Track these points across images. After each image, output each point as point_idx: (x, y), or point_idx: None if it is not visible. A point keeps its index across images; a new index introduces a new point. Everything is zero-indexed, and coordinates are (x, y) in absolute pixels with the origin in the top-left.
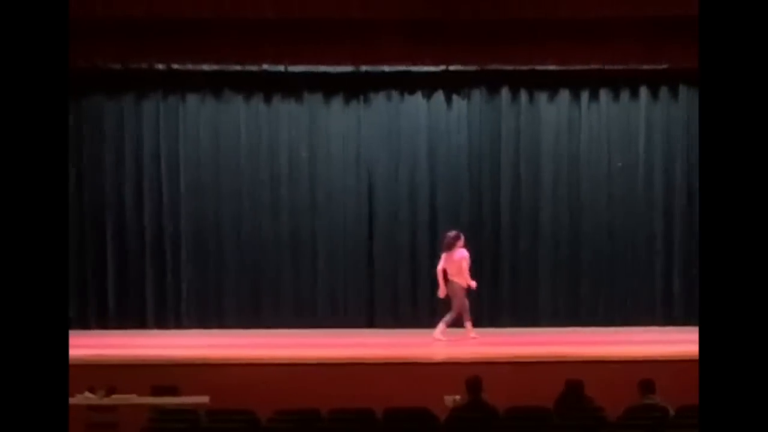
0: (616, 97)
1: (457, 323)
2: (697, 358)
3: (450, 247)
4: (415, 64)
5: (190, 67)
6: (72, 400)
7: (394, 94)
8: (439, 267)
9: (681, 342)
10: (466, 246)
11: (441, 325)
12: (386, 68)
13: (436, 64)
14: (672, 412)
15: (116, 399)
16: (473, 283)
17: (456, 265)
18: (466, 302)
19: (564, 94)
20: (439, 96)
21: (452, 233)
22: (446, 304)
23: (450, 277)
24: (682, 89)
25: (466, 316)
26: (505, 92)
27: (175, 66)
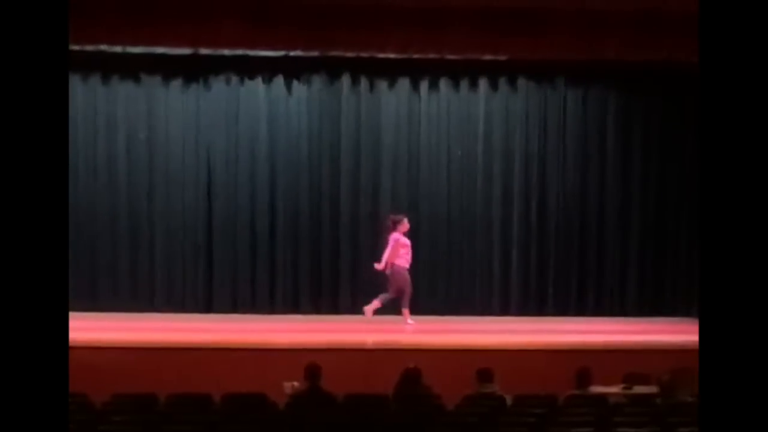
0: (456, 86)
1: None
2: (532, 347)
3: (389, 229)
4: (254, 48)
5: None
6: None
7: (234, 78)
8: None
9: (518, 332)
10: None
11: (374, 302)
12: (226, 52)
13: (276, 49)
14: (509, 400)
15: None
16: (379, 265)
17: (390, 247)
18: (405, 287)
19: (404, 83)
20: (279, 81)
21: (393, 216)
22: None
23: (390, 259)
24: (521, 80)
25: (404, 301)
26: (345, 79)
27: None
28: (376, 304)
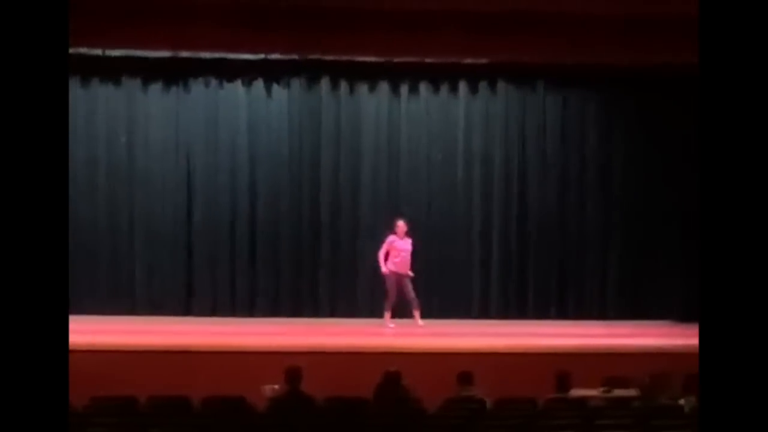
0: (436, 90)
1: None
2: (512, 350)
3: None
4: (234, 51)
5: None
6: None
7: (213, 81)
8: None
9: (498, 335)
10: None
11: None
12: (205, 55)
13: (256, 52)
14: (489, 404)
15: None
16: (383, 268)
17: (382, 249)
18: (389, 290)
19: (384, 86)
20: (259, 84)
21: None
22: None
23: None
24: (501, 84)
25: (386, 303)
26: (325, 83)
27: None
28: (416, 315)
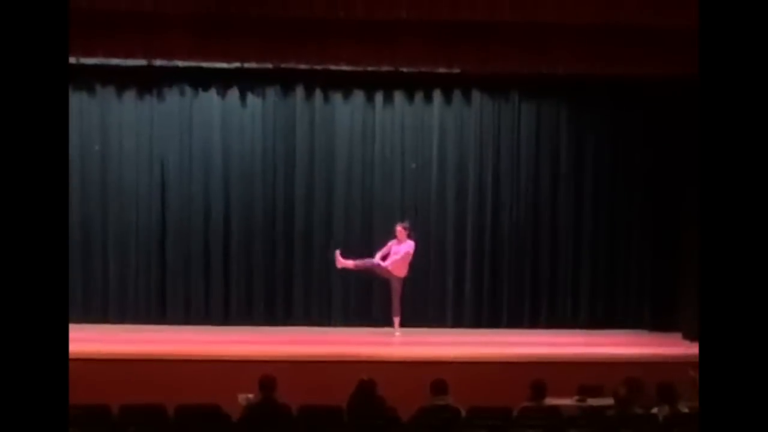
0: (411, 99)
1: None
2: (486, 359)
3: None
4: (208, 60)
5: None
6: None
7: (188, 89)
8: None
9: (472, 344)
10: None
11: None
12: (179, 63)
13: (230, 61)
14: (463, 412)
15: None
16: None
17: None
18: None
19: (358, 95)
20: (234, 93)
21: None
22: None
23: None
24: (475, 93)
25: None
26: (299, 91)
27: None
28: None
